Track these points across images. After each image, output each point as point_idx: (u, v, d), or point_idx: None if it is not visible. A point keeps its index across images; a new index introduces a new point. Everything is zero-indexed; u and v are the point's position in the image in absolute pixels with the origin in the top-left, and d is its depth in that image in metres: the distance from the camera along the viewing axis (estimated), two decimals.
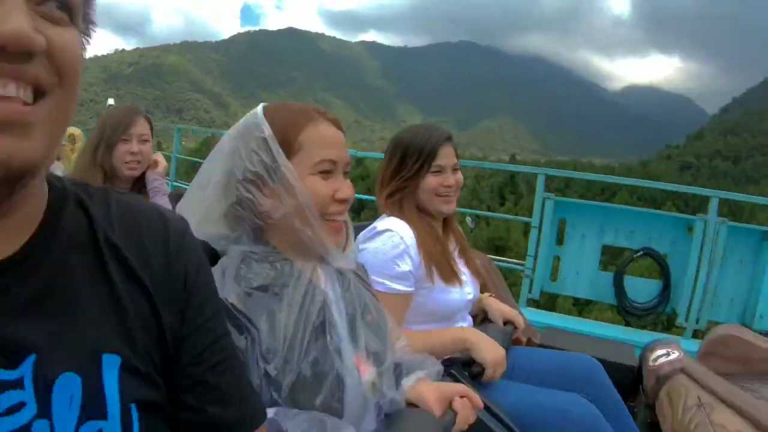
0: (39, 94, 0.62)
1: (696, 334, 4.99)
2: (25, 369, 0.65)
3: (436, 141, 2.19)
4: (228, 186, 1.38)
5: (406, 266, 1.98)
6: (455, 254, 2.31)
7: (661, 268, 5.23)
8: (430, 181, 2.18)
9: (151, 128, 2.82)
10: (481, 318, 2.45)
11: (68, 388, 0.67)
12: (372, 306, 1.51)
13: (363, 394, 1.33)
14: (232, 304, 1.20)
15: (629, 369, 2.66)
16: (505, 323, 2.37)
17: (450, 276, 2.11)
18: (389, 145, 2.28)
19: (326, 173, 1.37)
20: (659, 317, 6.05)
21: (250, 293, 1.25)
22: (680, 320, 5.05)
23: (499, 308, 2.43)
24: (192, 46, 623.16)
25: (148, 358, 0.75)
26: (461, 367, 1.93)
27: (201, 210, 1.38)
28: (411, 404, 1.44)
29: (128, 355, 0.72)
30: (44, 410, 0.65)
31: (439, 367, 1.61)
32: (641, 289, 5.30)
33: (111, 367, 0.71)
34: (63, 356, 0.68)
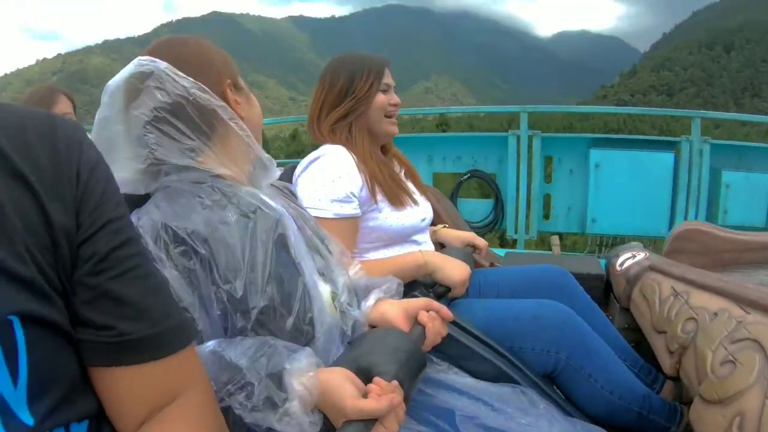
0: None
1: (530, 245, 5.27)
2: None
3: (380, 61, 2.16)
4: (140, 139, 1.20)
5: (347, 188, 1.91)
6: (401, 176, 2.25)
7: (490, 186, 5.49)
8: (380, 98, 2.12)
9: (74, 106, 2.70)
10: (438, 250, 2.38)
11: None
12: (308, 225, 1.45)
13: (330, 318, 1.27)
14: (172, 227, 1.10)
15: (598, 278, 2.65)
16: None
17: (398, 196, 2.05)
18: (327, 71, 2.18)
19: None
20: (496, 233, 6.26)
21: (194, 215, 1.14)
22: (509, 233, 5.33)
23: (456, 235, 2.41)
24: (115, 44, 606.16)
25: (31, 259, 0.66)
26: (424, 289, 1.89)
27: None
28: (374, 327, 1.39)
29: (6, 257, 0.63)
30: None
31: (398, 282, 1.54)
32: (475, 209, 5.55)
33: None
34: None
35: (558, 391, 1.77)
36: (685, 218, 5.11)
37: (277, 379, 0.99)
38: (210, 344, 1.04)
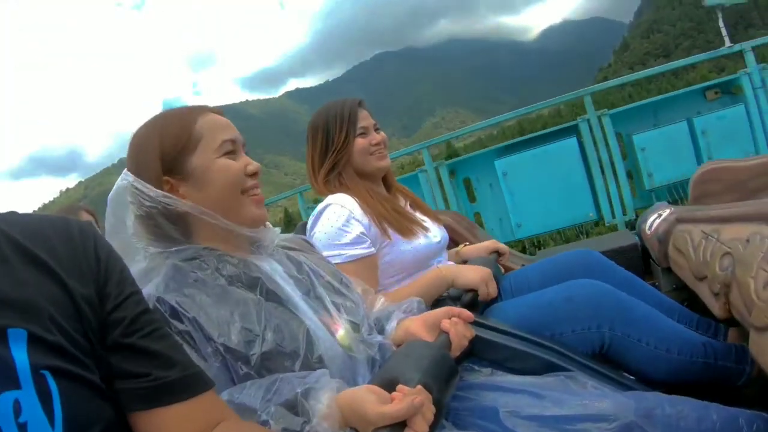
0: None
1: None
2: None
3: (351, 106, 2.19)
4: (136, 228, 1.34)
5: (355, 230, 1.95)
6: (407, 208, 2.28)
7: None
8: (360, 143, 2.16)
9: (96, 220, 2.83)
10: None
11: None
12: (323, 270, 1.49)
13: (342, 351, 1.28)
14: (164, 298, 1.16)
15: (633, 249, 2.57)
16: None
17: (406, 227, 2.07)
18: (308, 131, 2.27)
19: (231, 153, 1.36)
20: None
21: (183, 288, 1.21)
22: None
23: (477, 247, 2.41)
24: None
25: (57, 329, 0.78)
26: (452, 302, 1.86)
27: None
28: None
29: (34, 328, 0.76)
30: None
31: (419, 300, 1.58)
32: None
33: (17, 340, 0.74)
34: None
35: (613, 369, 1.67)
36: (608, 194, 5.11)
37: (292, 406, 1.01)
38: (223, 395, 1.06)
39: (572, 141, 5.10)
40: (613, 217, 5.07)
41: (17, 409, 0.71)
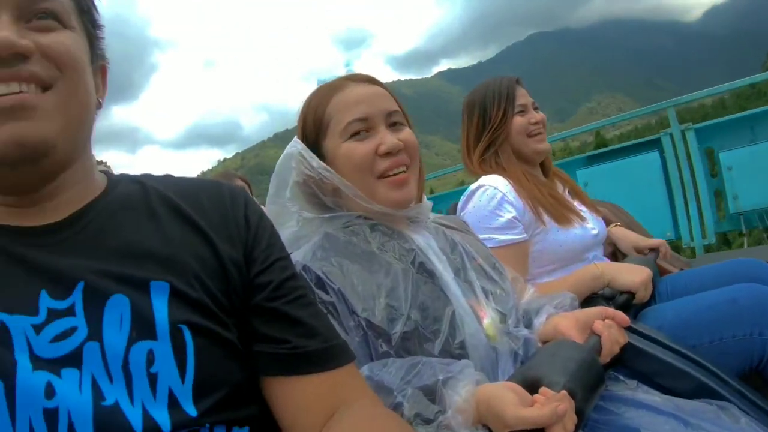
0: (45, 87, 0.78)
1: None
2: (75, 296, 0.75)
3: (509, 83, 2.15)
4: (294, 190, 1.39)
5: (508, 214, 1.89)
6: (566, 195, 2.19)
7: None
8: (518, 121, 2.11)
9: (250, 189, 3.05)
10: (610, 251, 2.29)
11: (118, 309, 0.75)
12: (477, 253, 1.44)
13: (486, 341, 1.23)
14: (311, 267, 1.17)
15: None
16: (646, 253, 2.21)
17: (563, 214, 1.99)
18: (464, 109, 2.24)
19: (360, 134, 1.33)
20: None
21: (331, 257, 1.22)
22: None
23: (627, 236, 2.31)
24: (284, 135, 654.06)
25: (200, 285, 0.82)
26: (604, 302, 1.74)
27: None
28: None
29: (177, 283, 0.80)
30: (95, 332, 0.73)
31: (572, 296, 1.48)
32: None
33: (160, 292, 0.78)
34: (111, 282, 0.76)
35: None
36: (687, 214, 4.70)
37: (430, 392, 0.98)
38: (363, 369, 1.05)
39: (654, 155, 4.81)
40: (692, 239, 4.68)
41: (150, 359, 0.74)
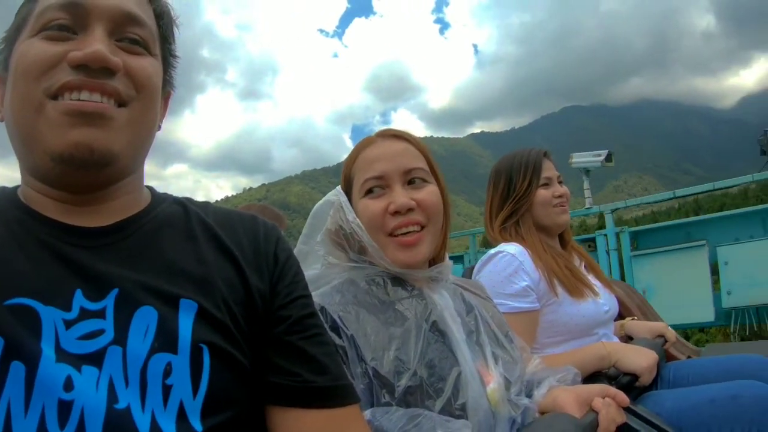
0: (121, 104, 0.85)
1: None
2: (108, 301, 0.79)
3: (536, 156, 2.19)
4: (325, 239, 1.44)
5: (523, 282, 1.91)
6: (581, 269, 2.21)
7: None
8: (542, 194, 2.15)
9: (281, 224, 3.15)
10: (622, 336, 2.28)
11: (145, 319, 0.79)
12: (491, 318, 1.47)
13: (487, 405, 1.24)
14: (328, 310, 1.21)
15: None
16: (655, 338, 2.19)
17: (577, 287, 2.01)
18: (491, 175, 2.29)
19: (373, 191, 1.37)
20: None
21: (349, 303, 1.25)
22: None
23: (644, 326, 2.28)
24: (311, 174, 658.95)
25: (226, 309, 0.86)
26: (607, 381, 1.76)
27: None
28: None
29: (206, 303, 0.84)
30: (120, 337, 0.77)
31: (575, 372, 1.50)
32: None
33: (188, 310, 0.82)
34: (144, 294, 0.81)
35: None
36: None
37: None
38: (366, 413, 1.07)
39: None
40: None
41: (167, 371, 0.77)
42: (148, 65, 0.90)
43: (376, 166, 1.37)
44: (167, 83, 1.02)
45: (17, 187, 0.94)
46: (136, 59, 0.88)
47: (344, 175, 1.46)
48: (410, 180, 1.38)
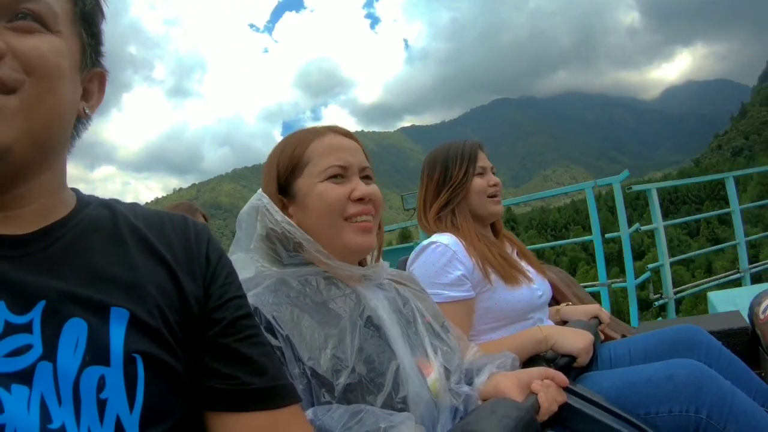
0: (8, 91, 0.74)
1: None
2: (35, 314, 0.73)
3: (471, 146, 2.22)
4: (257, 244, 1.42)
5: (457, 271, 1.93)
6: (514, 256, 2.25)
7: None
8: (478, 182, 2.17)
9: (207, 223, 2.98)
10: (558, 321, 2.33)
11: (75, 332, 0.74)
12: (427, 310, 1.48)
13: (429, 396, 1.25)
14: (261, 311, 1.19)
15: (743, 333, 2.38)
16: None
17: (511, 274, 2.04)
18: (425, 165, 2.29)
19: (336, 177, 1.39)
20: None
21: (283, 303, 1.23)
22: None
23: (579, 310, 2.33)
24: (242, 172, 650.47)
25: (159, 316, 0.82)
26: (546, 363, 1.80)
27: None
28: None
29: (137, 311, 0.79)
30: (49, 353, 0.72)
31: (514, 356, 1.52)
32: None
33: (119, 319, 0.77)
34: (72, 306, 0.75)
35: None
36: None
37: None
38: (308, 412, 1.06)
39: None
40: None
41: (101, 385, 0.73)
42: (40, 43, 0.79)
43: (341, 156, 1.40)
44: (92, 63, 0.91)
45: None
46: (24, 39, 0.77)
47: (290, 156, 1.42)
48: (363, 176, 1.43)
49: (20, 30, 0.77)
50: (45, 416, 0.68)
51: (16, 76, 0.75)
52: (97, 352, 0.74)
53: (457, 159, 2.18)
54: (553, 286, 2.40)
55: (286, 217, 1.35)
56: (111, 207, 0.93)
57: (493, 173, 2.25)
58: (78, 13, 0.87)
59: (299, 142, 1.43)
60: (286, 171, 1.42)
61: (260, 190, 1.44)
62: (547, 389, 1.33)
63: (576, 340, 1.82)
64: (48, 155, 0.83)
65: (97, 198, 0.96)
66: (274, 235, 1.36)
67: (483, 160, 2.21)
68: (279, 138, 1.59)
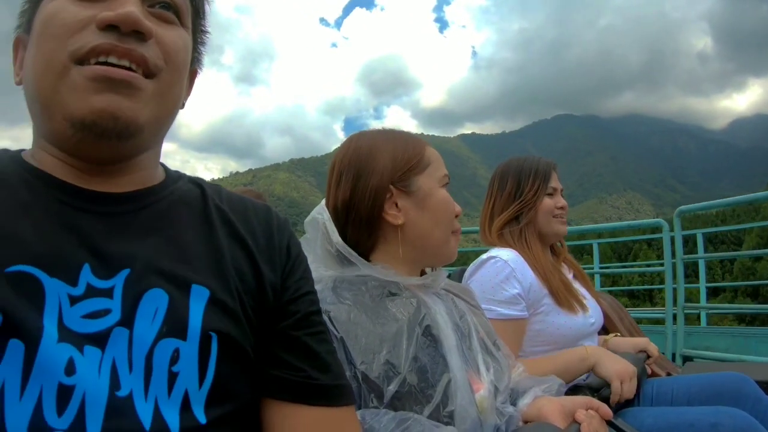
0: (148, 75, 0.80)
1: None
2: (118, 280, 0.75)
3: (546, 165, 2.22)
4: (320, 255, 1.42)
5: (514, 290, 1.92)
6: (570, 277, 2.24)
7: None
8: (547, 202, 2.17)
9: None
10: None
11: (154, 302, 0.76)
12: (481, 325, 1.48)
13: (476, 413, 1.25)
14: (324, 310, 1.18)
15: None
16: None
17: (568, 298, 2.02)
18: (496, 176, 2.29)
19: (445, 187, 1.44)
20: None
21: (341, 302, 1.25)
22: None
23: (627, 342, 2.29)
24: (299, 162, 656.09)
25: (237, 297, 0.84)
26: (590, 392, 1.76)
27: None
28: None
29: (218, 290, 0.82)
30: (127, 319, 0.74)
31: (560, 382, 1.51)
32: None
33: (199, 296, 0.80)
34: (155, 277, 0.78)
35: None
36: None
37: None
38: (357, 413, 1.06)
39: None
40: None
41: (174, 358, 0.74)
42: (178, 37, 0.86)
43: (445, 168, 1.48)
44: (195, 60, 0.99)
45: (20, 150, 0.89)
46: (167, 29, 0.84)
47: (411, 154, 1.43)
48: None
49: (162, 19, 0.84)
50: (114, 382, 0.70)
51: (158, 62, 0.81)
52: (175, 325, 0.76)
53: (531, 175, 2.17)
54: (605, 315, 2.37)
55: (340, 239, 1.37)
56: (201, 185, 0.97)
57: (562, 195, 2.24)
58: (194, 10, 0.94)
59: (415, 143, 1.46)
60: (407, 163, 1.41)
61: (322, 202, 1.46)
62: (591, 420, 1.31)
63: (615, 366, 1.79)
64: (160, 136, 0.90)
65: (186, 174, 1.00)
66: (330, 254, 1.39)
67: (555, 181, 2.20)
68: (339, 132, 1.61)
